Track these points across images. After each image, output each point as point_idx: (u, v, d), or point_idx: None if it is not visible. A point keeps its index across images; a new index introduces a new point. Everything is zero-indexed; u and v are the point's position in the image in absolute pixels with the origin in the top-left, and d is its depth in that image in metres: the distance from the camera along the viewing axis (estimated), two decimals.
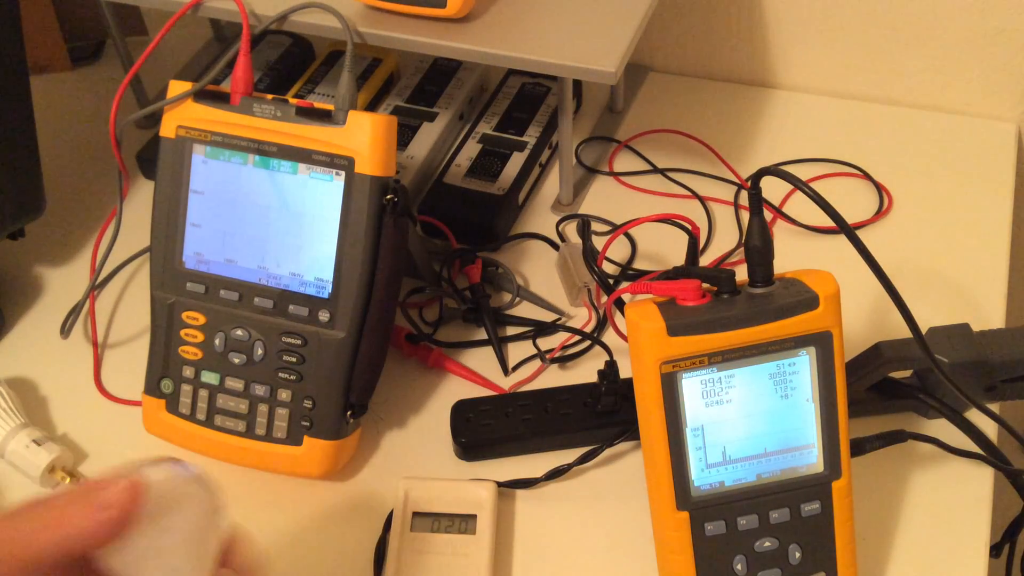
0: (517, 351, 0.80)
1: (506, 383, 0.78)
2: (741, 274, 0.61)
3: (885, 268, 0.57)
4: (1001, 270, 0.83)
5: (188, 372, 0.71)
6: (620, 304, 0.73)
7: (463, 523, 0.68)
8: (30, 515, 0.43)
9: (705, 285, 0.60)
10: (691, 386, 0.58)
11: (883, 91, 0.98)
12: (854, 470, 0.62)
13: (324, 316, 0.68)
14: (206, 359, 0.71)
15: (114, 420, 0.77)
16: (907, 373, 0.73)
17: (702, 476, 0.59)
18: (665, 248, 0.87)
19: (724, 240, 0.87)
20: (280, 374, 0.70)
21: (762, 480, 0.60)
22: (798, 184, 0.57)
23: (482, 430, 0.73)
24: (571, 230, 0.89)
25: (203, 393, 0.71)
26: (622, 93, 0.99)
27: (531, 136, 0.92)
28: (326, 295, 0.69)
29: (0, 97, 0.78)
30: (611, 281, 0.84)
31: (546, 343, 0.80)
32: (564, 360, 0.79)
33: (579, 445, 0.72)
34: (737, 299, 0.59)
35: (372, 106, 0.96)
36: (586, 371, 0.78)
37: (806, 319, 0.57)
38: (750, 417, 0.59)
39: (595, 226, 0.88)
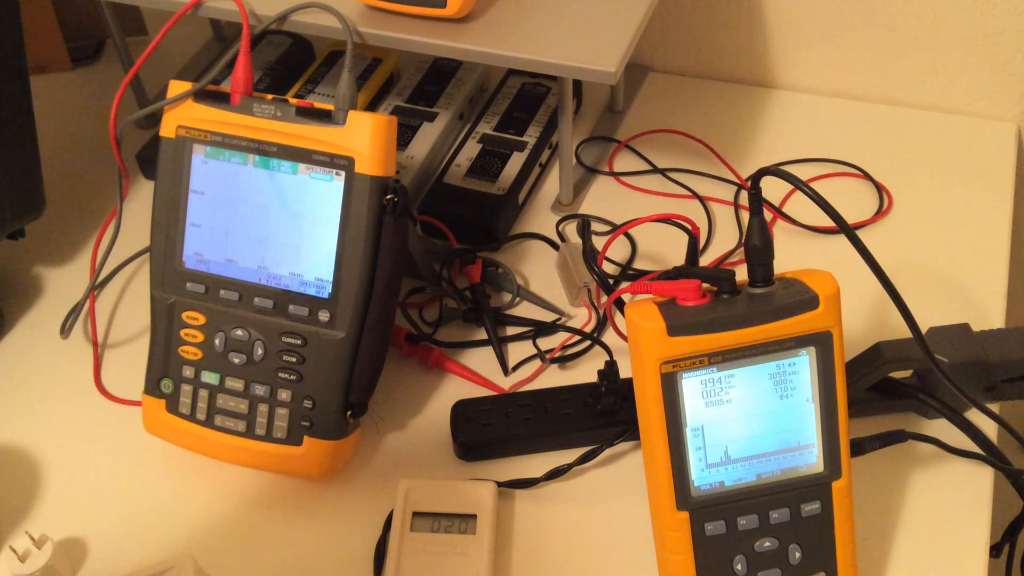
0: (517, 351, 0.80)
1: (506, 383, 0.78)
2: (741, 274, 0.61)
3: (885, 268, 0.57)
4: (1001, 270, 0.83)
5: (188, 372, 0.71)
6: (620, 304, 0.73)
7: (463, 523, 0.68)
8: None
9: (705, 285, 0.60)
10: (691, 386, 0.58)
11: (883, 91, 0.98)
12: (854, 470, 0.62)
13: (324, 316, 0.68)
14: (206, 359, 0.71)
15: (114, 420, 0.77)
16: (907, 373, 0.73)
17: (702, 476, 0.59)
18: (665, 248, 0.87)
19: (724, 240, 0.87)
20: (280, 374, 0.70)
21: (762, 480, 0.60)
22: (798, 184, 0.57)
23: (482, 430, 0.73)
24: (571, 230, 0.89)
25: (203, 393, 0.71)
26: (622, 93, 0.99)
27: (531, 136, 0.92)
28: (326, 295, 0.69)
29: (0, 97, 0.78)
30: (611, 281, 0.84)
31: (546, 343, 0.80)
32: (564, 360, 0.79)
33: (579, 445, 0.72)
34: (737, 299, 0.59)
35: (372, 106, 0.96)
36: (586, 371, 0.78)
37: (806, 319, 0.57)
38: (750, 417, 0.59)
39: (595, 226, 0.88)
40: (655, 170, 0.93)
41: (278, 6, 0.77)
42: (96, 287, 0.86)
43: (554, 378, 0.78)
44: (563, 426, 0.73)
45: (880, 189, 0.90)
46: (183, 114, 0.70)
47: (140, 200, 0.94)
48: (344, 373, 0.69)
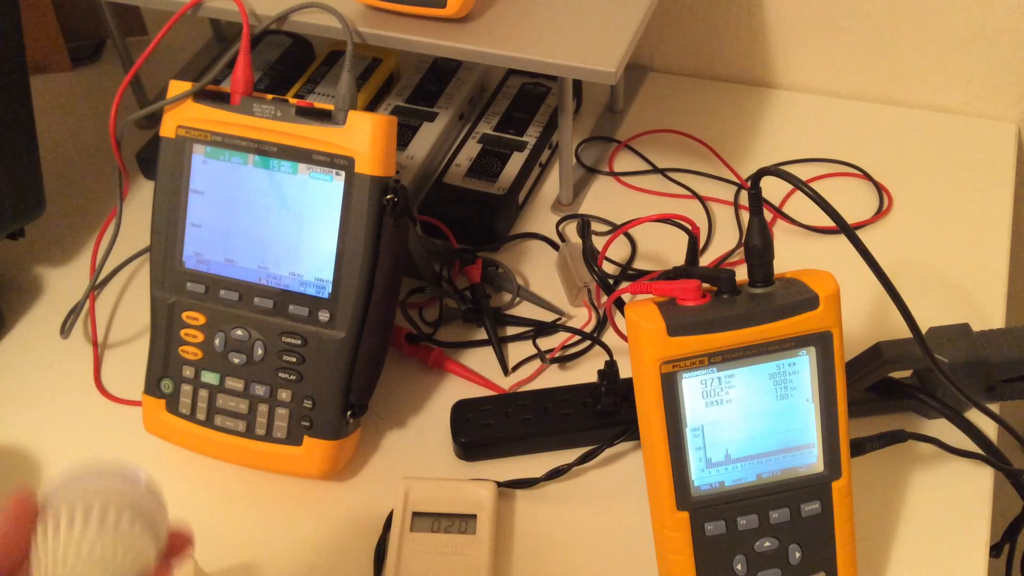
0: (517, 351, 0.80)
1: (506, 383, 0.78)
2: (741, 274, 0.61)
3: (885, 268, 0.57)
4: (1001, 270, 0.83)
5: (188, 372, 0.71)
6: (620, 304, 0.73)
7: (463, 523, 0.68)
8: None
9: (705, 285, 0.60)
10: (691, 386, 0.58)
11: (883, 91, 0.98)
12: (854, 470, 0.62)
13: (324, 316, 0.68)
14: (206, 359, 0.71)
15: (114, 420, 0.77)
16: (907, 373, 0.73)
17: (702, 476, 0.59)
18: (665, 248, 0.87)
19: (724, 240, 0.87)
20: (280, 374, 0.70)
21: (762, 480, 0.60)
22: (798, 184, 0.57)
23: (482, 430, 0.73)
24: (571, 230, 0.89)
25: (203, 393, 0.71)
26: (622, 93, 0.99)
27: (531, 136, 0.92)
28: (326, 295, 0.69)
29: (0, 97, 0.78)
30: (611, 281, 0.84)
31: (546, 343, 0.80)
32: (564, 360, 0.79)
33: (579, 445, 0.72)
34: (737, 299, 0.59)
35: (372, 106, 0.96)
36: (586, 371, 0.78)
37: (806, 319, 0.57)
38: (750, 417, 0.59)
39: (595, 226, 0.88)
40: (655, 170, 0.93)
41: (278, 6, 0.77)
42: (96, 287, 0.86)
43: (554, 378, 0.78)
44: (563, 426, 0.73)
45: (880, 189, 0.90)
46: (183, 114, 0.70)
47: (140, 200, 0.94)
48: (344, 373, 0.69)
